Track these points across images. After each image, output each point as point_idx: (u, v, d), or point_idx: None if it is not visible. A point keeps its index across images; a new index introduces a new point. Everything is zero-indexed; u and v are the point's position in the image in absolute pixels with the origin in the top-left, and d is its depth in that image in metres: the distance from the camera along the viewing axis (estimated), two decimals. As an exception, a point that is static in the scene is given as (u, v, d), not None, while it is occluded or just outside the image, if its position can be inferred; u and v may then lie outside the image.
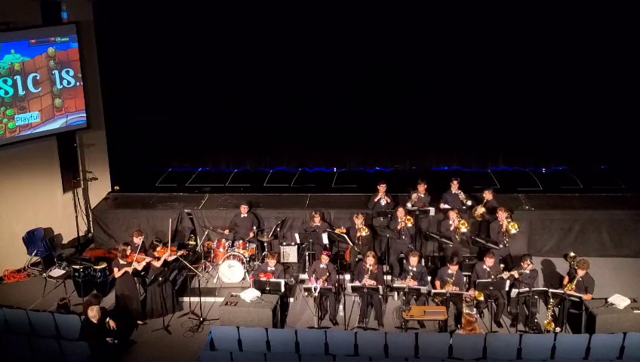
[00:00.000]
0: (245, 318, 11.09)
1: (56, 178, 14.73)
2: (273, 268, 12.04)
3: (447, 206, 13.43)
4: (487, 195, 13.46)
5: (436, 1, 15.17)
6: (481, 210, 13.31)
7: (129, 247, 12.11)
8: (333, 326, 11.78)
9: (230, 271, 12.95)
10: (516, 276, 11.40)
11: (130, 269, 11.84)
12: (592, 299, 10.99)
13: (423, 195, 13.61)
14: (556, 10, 14.82)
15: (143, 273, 12.16)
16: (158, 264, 11.99)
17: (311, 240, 13.20)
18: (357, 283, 11.68)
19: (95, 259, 13.30)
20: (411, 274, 11.75)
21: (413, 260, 11.81)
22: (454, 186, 13.66)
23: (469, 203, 13.53)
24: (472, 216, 13.40)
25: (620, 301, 10.80)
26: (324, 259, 12.02)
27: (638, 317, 10.60)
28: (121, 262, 11.85)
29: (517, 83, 15.73)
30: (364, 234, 12.86)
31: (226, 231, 13.58)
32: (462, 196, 13.56)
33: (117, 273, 11.87)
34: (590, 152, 16.22)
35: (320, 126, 16.44)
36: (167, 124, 16.53)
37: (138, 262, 11.95)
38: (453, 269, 11.58)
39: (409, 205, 13.34)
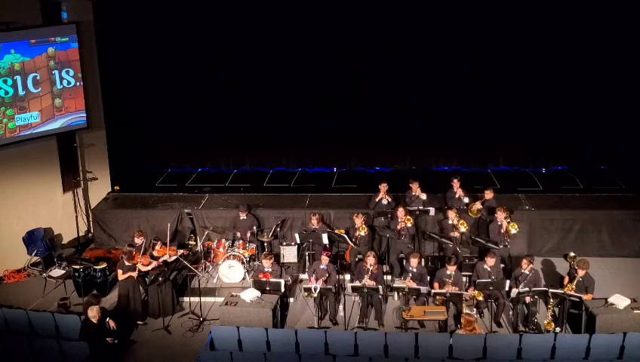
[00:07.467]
0: (245, 318, 11.09)
1: (56, 178, 14.72)
2: (270, 269, 12.03)
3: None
4: (488, 194, 13.47)
5: (435, 1, 15.18)
6: (477, 205, 13.29)
7: (134, 249, 12.08)
8: (333, 326, 11.77)
9: (230, 271, 12.95)
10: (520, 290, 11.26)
11: (134, 274, 11.83)
12: (592, 299, 10.99)
13: (420, 195, 13.61)
14: (556, 10, 14.82)
15: (143, 273, 12.16)
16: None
17: (311, 241, 13.19)
18: (357, 283, 11.68)
19: (95, 259, 13.28)
20: (411, 275, 11.74)
21: (414, 261, 11.80)
22: (455, 185, 13.67)
23: (466, 200, 13.52)
24: (469, 211, 13.37)
25: (620, 301, 10.80)
26: (325, 259, 12.00)
27: (638, 317, 10.59)
28: (127, 263, 11.84)
29: (517, 83, 15.75)
30: (362, 233, 12.86)
31: (238, 234, 13.48)
32: (460, 193, 13.55)
33: (120, 276, 11.86)
34: (590, 152, 16.23)
35: (320, 126, 16.46)
36: (167, 124, 16.54)
37: (143, 265, 11.96)
38: (451, 270, 11.56)
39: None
